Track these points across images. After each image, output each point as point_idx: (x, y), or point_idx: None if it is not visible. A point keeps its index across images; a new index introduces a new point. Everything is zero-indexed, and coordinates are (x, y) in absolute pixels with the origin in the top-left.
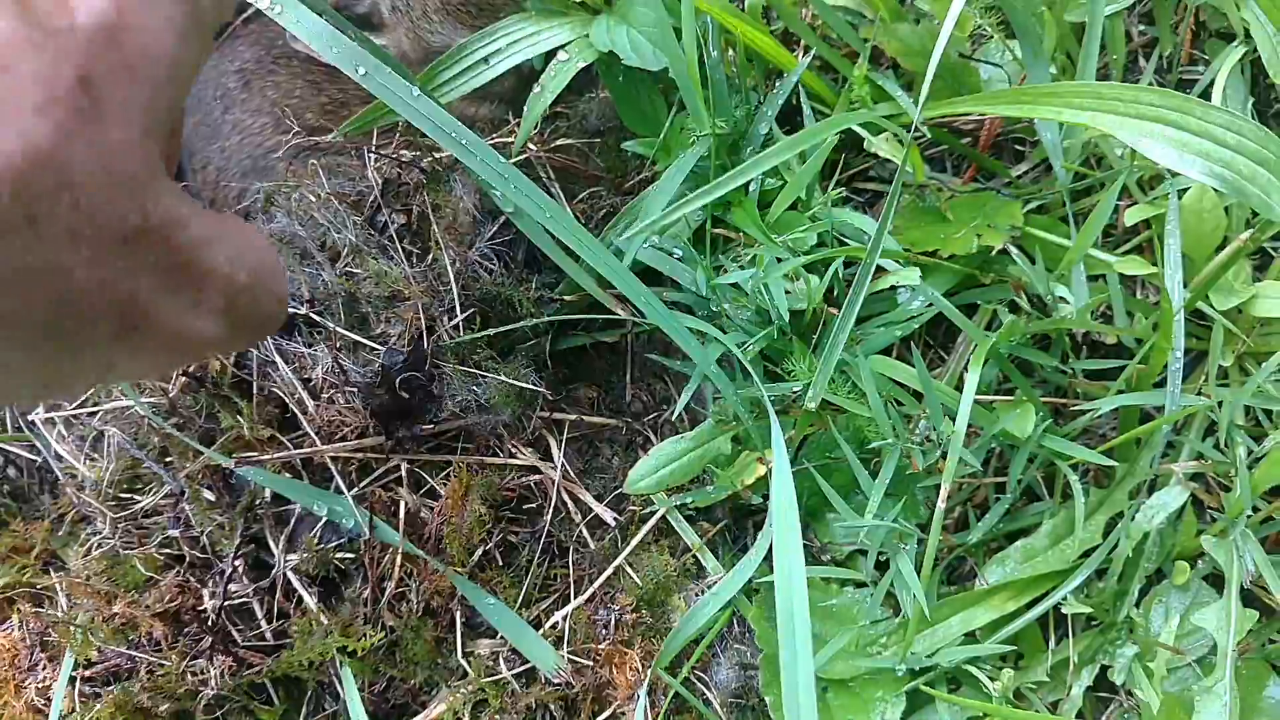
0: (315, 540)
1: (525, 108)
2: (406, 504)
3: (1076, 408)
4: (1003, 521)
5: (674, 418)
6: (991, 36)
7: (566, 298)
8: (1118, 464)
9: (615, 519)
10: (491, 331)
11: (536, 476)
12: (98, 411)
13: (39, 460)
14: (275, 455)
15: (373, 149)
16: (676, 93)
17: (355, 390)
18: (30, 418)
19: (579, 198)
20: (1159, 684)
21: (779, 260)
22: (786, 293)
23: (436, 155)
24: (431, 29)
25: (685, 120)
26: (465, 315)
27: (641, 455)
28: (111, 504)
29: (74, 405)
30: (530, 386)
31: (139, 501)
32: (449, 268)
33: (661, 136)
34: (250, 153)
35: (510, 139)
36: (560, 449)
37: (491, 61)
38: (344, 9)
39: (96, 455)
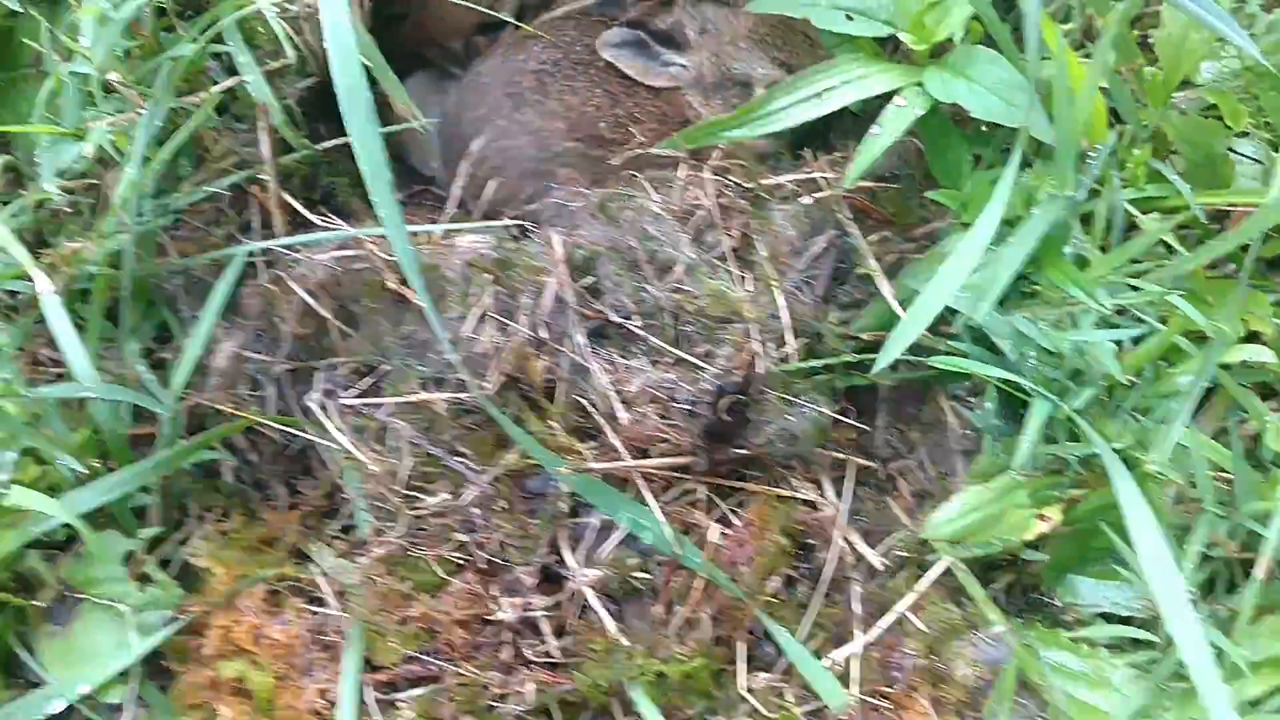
0: (611, 556)
1: (861, 146)
2: (707, 527)
3: None
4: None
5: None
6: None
7: (864, 336)
8: None
9: (884, 563)
10: (815, 363)
11: (815, 513)
12: (383, 403)
13: (289, 447)
14: (592, 466)
15: (704, 167)
16: (985, 147)
17: (681, 407)
18: (306, 402)
19: (870, 238)
20: None
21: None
22: None
23: (761, 181)
24: (737, 56)
25: (988, 175)
26: (793, 345)
27: (890, 499)
28: (401, 500)
29: (356, 395)
30: (852, 422)
31: (426, 500)
32: (778, 295)
33: (966, 189)
34: (536, 155)
35: (795, 174)
36: (846, 486)
37: (825, 97)
38: (642, 25)
39: (380, 448)
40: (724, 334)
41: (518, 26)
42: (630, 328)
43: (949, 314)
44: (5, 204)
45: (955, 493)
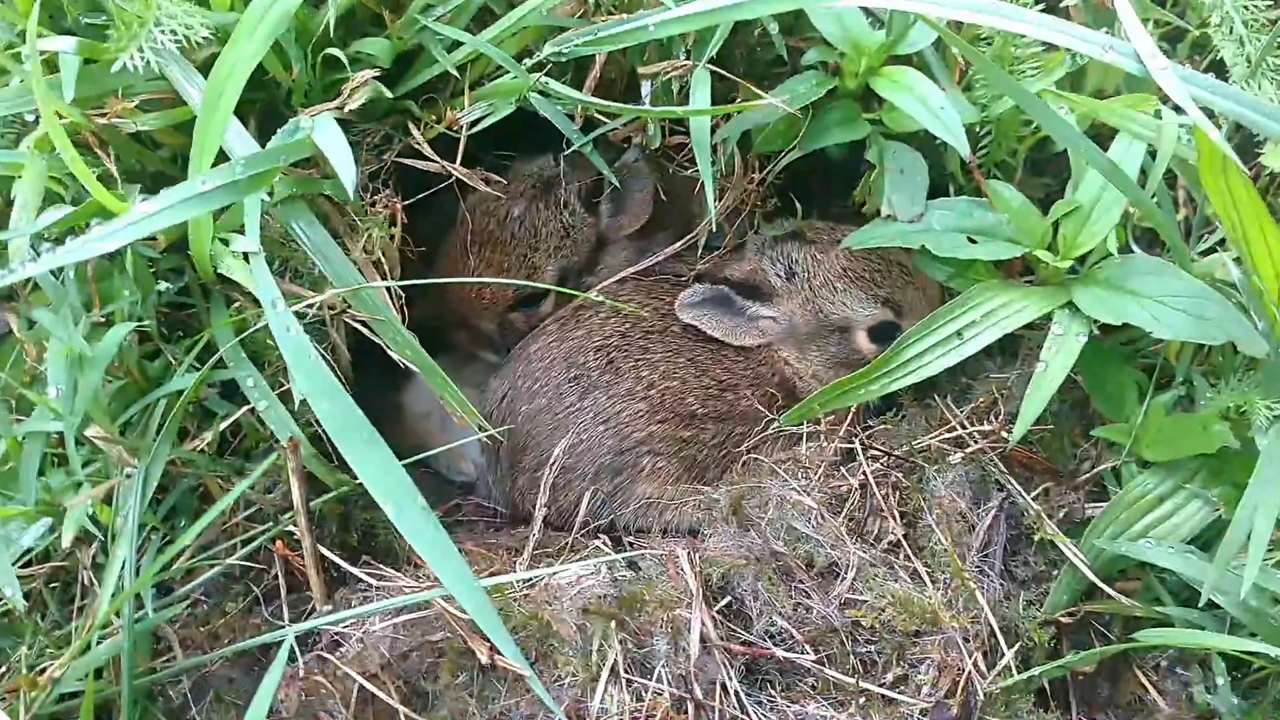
0: None
1: (1026, 399)
2: None
3: None
4: None
5: None
6: None
7: (1064, 619)
8: None
9: None
10: (1037, 671)
11: None
12: None
13: None
14: None
15: (834, 436)
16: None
17: None
18: None
19: (1035, 491)
20: None
21: None
22: None
23: (915, 444)
24: (833, 299)
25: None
26: (1009, 655)
27: None
28: None
29: None
30: None
31: None
32: (977, 591)
33: (1135, 420)
34: (615, 446)
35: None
36: None
37: (966, 336)
38: (715, 278)
39: None
40: (919, 651)
41: (570, 295)
42: (797, 659)
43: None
44: None
45: None
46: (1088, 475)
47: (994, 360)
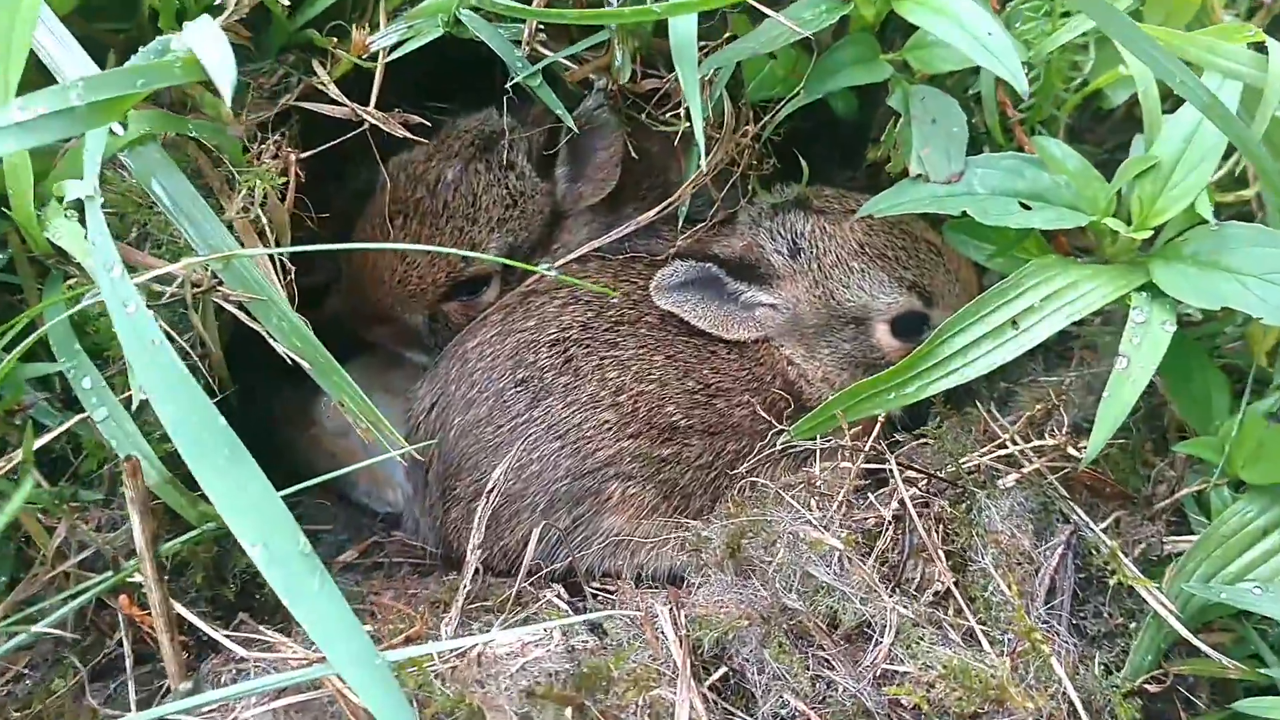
0: None
1: (1104, 403)
2: None
3: None
4: None
5: None
6: None
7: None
8: None
9: None
10: None
11: None
12: None
13: None
14: None
15: (856, 454)
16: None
17: None
18: None
19: (1104, 522)
20: None
21: None
22: None
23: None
24: (848, 280)
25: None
26: None
27: None
28: None
29: None
30: None
31: None
32: (1053, 657)
33: (1226, 432)
34: (574, 468)
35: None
36: None
37: (1021, 325)
38: (711, 255)
39: None
40: None
41: (514, 269)
42: None
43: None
44: None
45: None
46: (1166, 501)
47: (1036, 360)
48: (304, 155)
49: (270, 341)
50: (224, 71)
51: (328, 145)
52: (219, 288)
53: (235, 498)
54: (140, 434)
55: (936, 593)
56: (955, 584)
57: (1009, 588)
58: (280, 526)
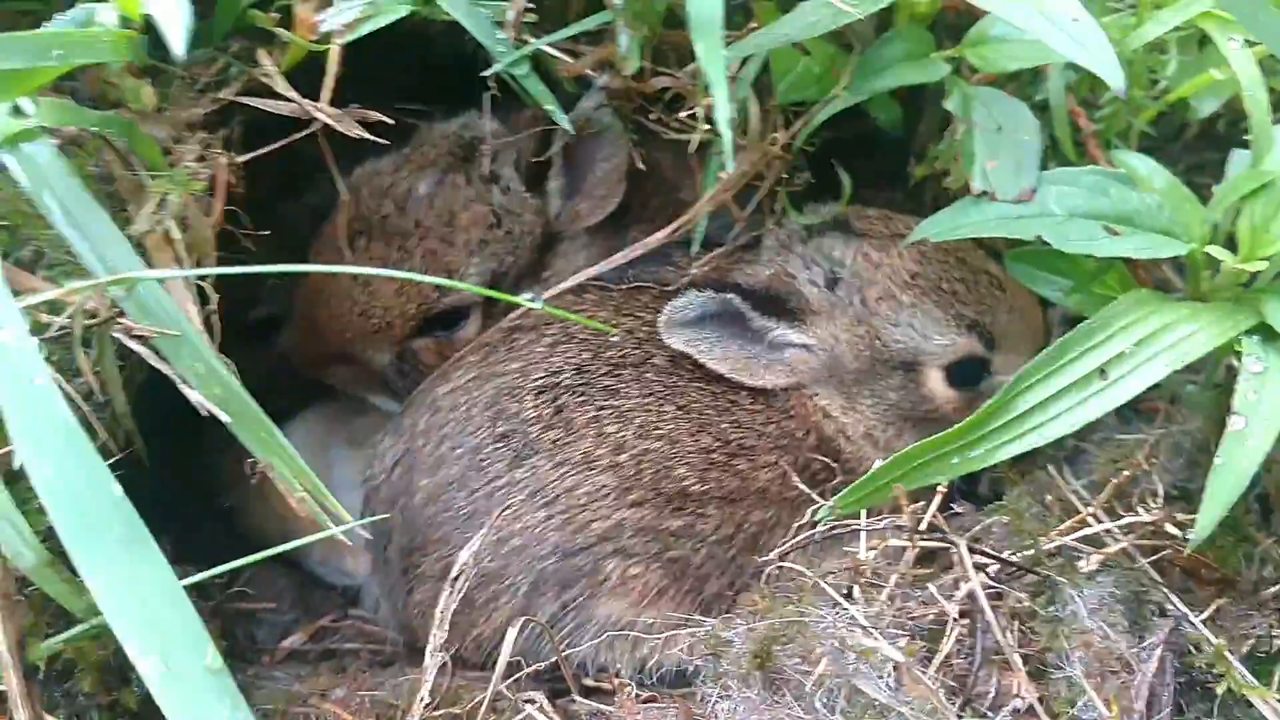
0: None
1: (1215, 473)
2: None
3: None
4: None
5: None
6: None
7: None
8: None
9: None
10: None
11: None
12: None
13: None
14: None
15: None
16: None
17: None
18: None
19: (1204, 612)
20: None
21: None
22: None
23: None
24: (896, 318)
25: None
26: None
27: None
28: None
29: None
30: None
31: None
32: None
33: None
34: (564, 543)
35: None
36: None
37: (1111, 374)
38: (720, 284)
39: None
40: None
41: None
42: None
43: None
44: None
45: None
46: (1277, 587)
47: (1110, 414)
48: (239, 160)
49: (181, 387)
50: (174, 11)
51: (268, 149)
52: (119, 319)
53: (124, 592)
54: (12, 502)
55: (1016, 710)
56: (1040, 700)
57: (1106, 703)
58: (183, 632)
